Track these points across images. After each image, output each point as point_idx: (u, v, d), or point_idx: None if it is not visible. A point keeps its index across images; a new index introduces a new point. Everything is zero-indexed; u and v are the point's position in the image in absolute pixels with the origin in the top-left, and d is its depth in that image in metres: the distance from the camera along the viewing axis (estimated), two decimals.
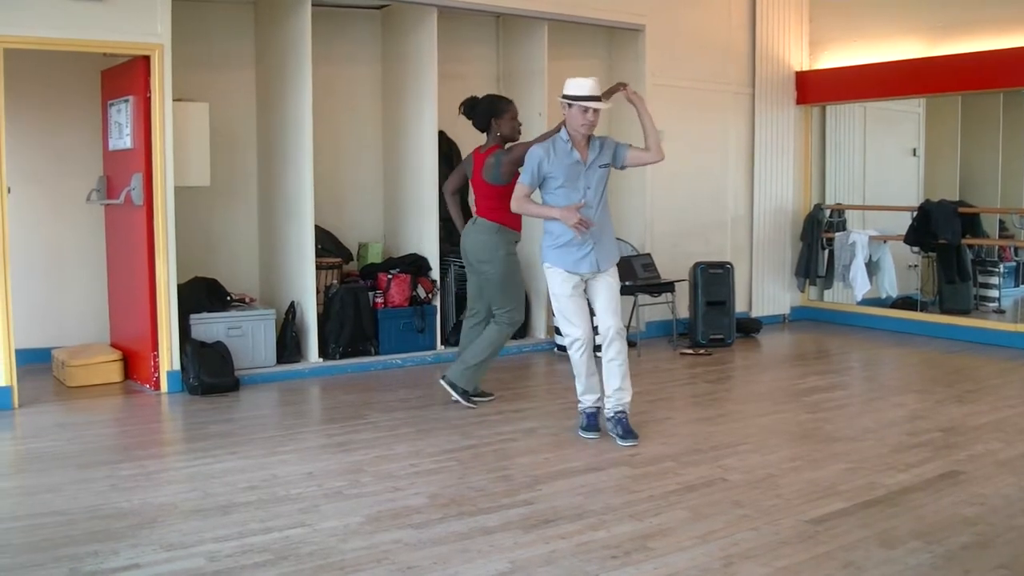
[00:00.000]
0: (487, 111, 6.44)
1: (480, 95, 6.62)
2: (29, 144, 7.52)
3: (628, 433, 5.70)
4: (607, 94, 5.97)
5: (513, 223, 6.39)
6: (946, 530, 4.22)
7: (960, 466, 5.19)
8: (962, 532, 4.20)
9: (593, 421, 5.91)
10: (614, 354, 5.71)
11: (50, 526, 4.27)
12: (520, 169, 5.89)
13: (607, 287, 5.77)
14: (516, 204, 5.81)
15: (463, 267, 8.26)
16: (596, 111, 5.63)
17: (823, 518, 4.38)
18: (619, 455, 5.42)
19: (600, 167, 5.75)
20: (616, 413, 5.77)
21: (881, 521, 4.34)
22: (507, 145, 6.44)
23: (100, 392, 7.00)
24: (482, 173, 6.37)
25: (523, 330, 8.62)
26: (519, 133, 6.52)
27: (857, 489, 4.80)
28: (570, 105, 5.63)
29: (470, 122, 6.57)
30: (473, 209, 6.81)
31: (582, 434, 5.86)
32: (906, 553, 3.96)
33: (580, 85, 5.63)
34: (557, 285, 5.78)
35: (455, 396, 6.51)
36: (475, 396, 6.61)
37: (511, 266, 6.43)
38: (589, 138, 5.76)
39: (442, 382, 6.55)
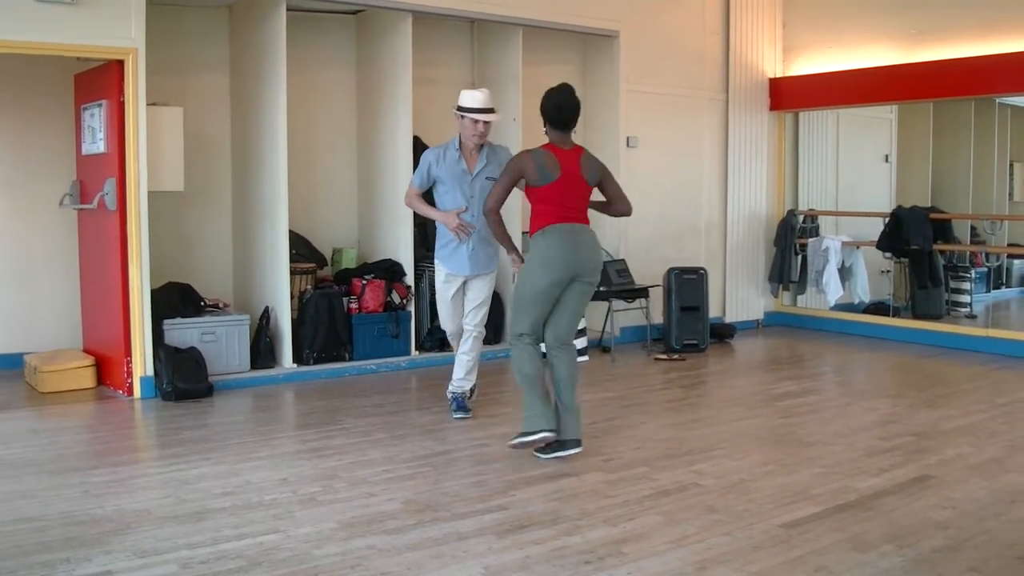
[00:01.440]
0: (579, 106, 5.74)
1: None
2: (1, 148, 7.47)
3: (461, 408, 6.46)
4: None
5: None
6: (917, 534, 4.26)
7: (931, 470, 5.23)
8: (933, 535, 4.24)
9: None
10: (468, 349, 6.47)
11: (22, 533, 4.24)
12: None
13: (478, 290, 6.40)
14: (407, 200, 6.53)
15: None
16: (487, 123, 6.14)
17: (796, 522, 4.41)
18: (593, 460, 5.43)
19: (487, 179, 6.14)
20: (454, 395, 6.55)
21: (853, 525, 4.37)
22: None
23: (73, 398, 6.95)
24: (584, 173, 5.57)
25: (498, 334, 8.63)
26: None
27: (829, 493, 4.83)
28: (462, 116, 6.10)
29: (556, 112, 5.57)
30: (542, 216, 5.57)
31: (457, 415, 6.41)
32: (878, 557, 3.99)
33: (472, 98, 6.12)
34: (440, 285, 6.46)
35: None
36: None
37: None
38: (483, 149, 6.24)
39: (575, 451, 5.51)
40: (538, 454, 5.45)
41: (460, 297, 6.44)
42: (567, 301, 5.56)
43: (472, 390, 6.66)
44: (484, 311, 6.48)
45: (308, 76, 8.29)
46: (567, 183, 5.51)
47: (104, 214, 7.02)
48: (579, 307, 5.65)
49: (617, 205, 5.84)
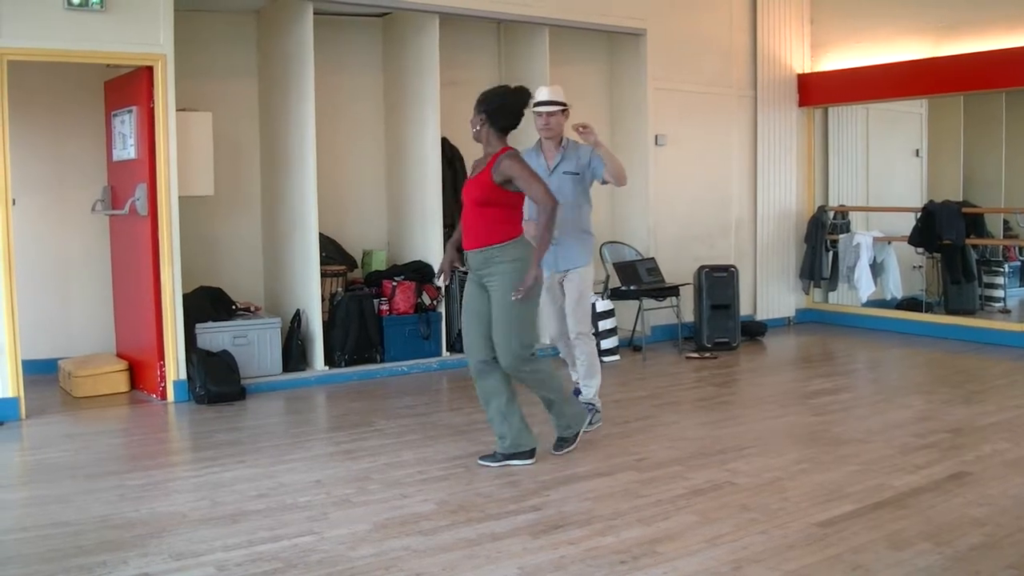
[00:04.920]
0: None
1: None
2: (34, 155, 7.54)
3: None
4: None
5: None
6: (955, 531, 4.22)
7: (968, 467, 5.18)
8: (971, 533, 4.20)
9: None
10: (576, 354, 6.20)
11: (59, 536, 4.28)
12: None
13: (568, 288, 6.10)
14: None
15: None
16: (550, 115, 6.00)
17: (831, 520, 4.38)
18: (626, 460, 5.42)
19: (565, 173, 6.03)
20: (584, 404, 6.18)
21: (890, 523, 4.34)
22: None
23: (107, 402, 7.01)
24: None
25: None
26: None
27: (865, 491, 4.79)
28: (536, 113, 6.01)
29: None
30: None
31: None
32: (915, 555, 3.96)
33: (539, 92, 6.05)
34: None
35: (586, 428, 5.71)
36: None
37: None
38: (562, 145, 6.07)
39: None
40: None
41: (557, 297, 6.17)
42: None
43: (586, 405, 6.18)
44: (579, 312, 6.12)
45: (336, 79, 8.31)
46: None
47: (135, 219, 7.07)
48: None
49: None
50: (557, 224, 5.73)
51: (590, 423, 6.06)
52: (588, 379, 6.22)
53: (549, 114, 6.00)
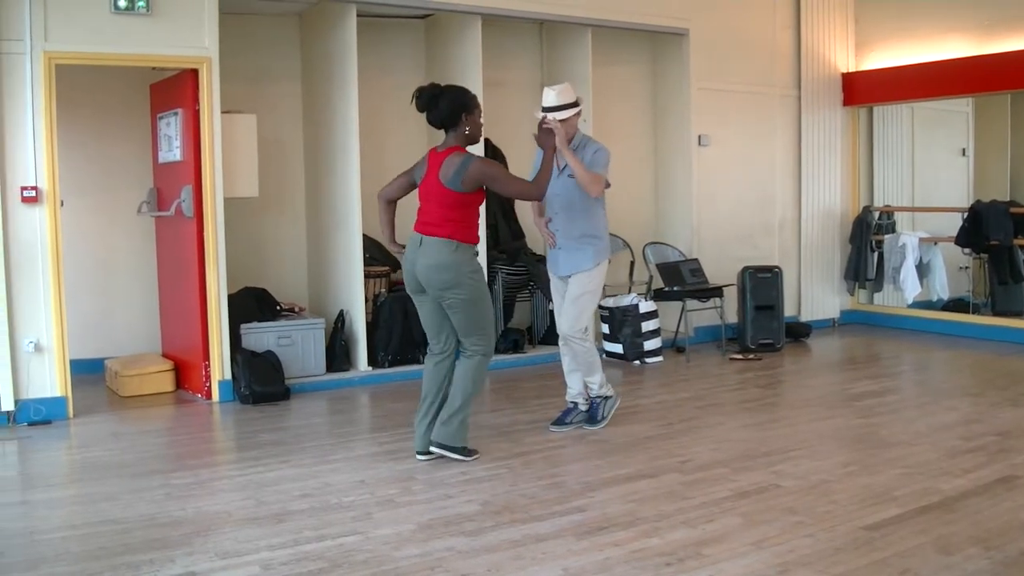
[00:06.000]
0: (457, 104, 5.32)
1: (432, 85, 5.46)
2: (81, 157, 7.63)
3: (592, 418, 6.22)
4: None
5: (469, 236, 5.33)
6: (1005, 536, 4.16)
7: (1017, 470, 5.11)
8: (1021, 538, 4.13)
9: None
10: (566, 352, 6.12)
11: (107, 535, 4.32)
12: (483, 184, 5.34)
13: (569, 289, 6.00)
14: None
15: (511, 274, 8.29)
16: (552, 119, 5.72)
17: (879, 524, 4.33)
18: (670, 462, 5.39)
19: (570, 176, 5.86)
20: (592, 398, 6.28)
21: (938, 527, 4.28)
22: (475, 156, 5.41)
23: (153, 402, 7.08)
24: (440, 175, 5.24)
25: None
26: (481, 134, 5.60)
27: (913, 494, 4.74)
28: None
29: (424, 115, 5.40)
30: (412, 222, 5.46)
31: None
32: (964, 559, 3.90)
33: (544, 96, 5.89)
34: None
35: (455, 456, 5.40)
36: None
37: (480, 286, 5.39)
38: (570, 147, 5.80)
39: (434, 449, 5.39)
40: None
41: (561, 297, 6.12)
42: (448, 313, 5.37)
43: (599, 398, 6.21)
44: (571, 311, 5.93)
45: (378, 81, 8.33)
46: (426, 186, 5.31)
47: (181, 221, 7.13)
48: (455, 319, 5.32)
49: (528, 200, 5.82)
50: (559, 228, 5.98)
51: (604, 417, 6.16)
52: (590, 376, 6.12)
53: (553, 119, 5.72)
